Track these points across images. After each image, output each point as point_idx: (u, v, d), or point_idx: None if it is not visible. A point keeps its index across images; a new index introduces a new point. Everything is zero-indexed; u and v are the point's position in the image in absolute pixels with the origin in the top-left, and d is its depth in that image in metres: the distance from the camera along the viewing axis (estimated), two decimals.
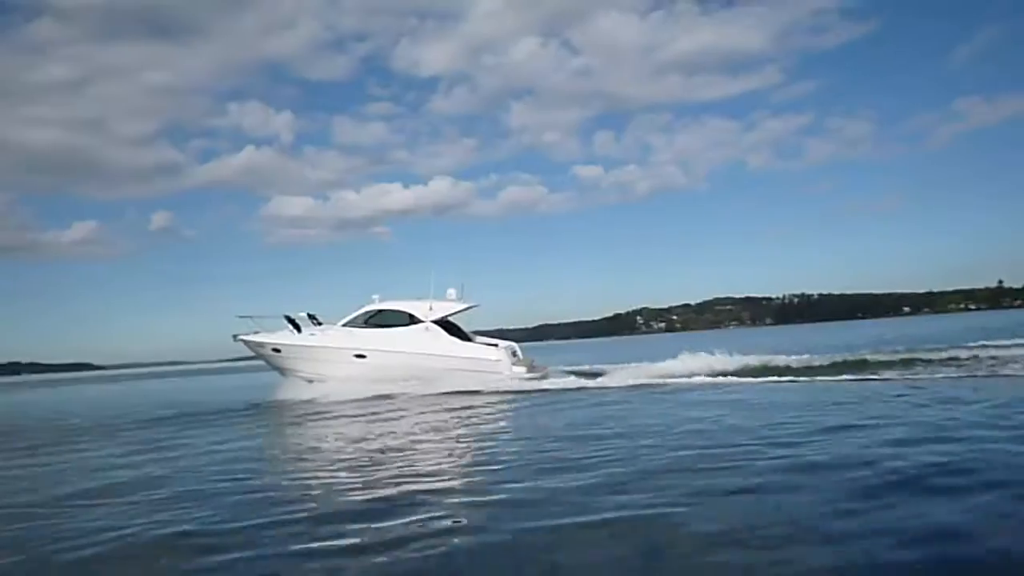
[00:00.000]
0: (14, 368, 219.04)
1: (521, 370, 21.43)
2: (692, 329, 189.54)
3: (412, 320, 21.77)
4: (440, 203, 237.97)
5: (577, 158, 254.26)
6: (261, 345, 22.29)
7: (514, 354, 22.17)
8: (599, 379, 20.68)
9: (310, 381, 21.56)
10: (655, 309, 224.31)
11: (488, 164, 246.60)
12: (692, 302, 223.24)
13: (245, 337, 22.37)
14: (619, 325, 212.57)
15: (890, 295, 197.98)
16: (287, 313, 21.94)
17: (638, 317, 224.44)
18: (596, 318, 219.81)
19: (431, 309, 21.86)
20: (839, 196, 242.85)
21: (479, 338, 23.19)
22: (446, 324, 22.53)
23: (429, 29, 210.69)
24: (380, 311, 22.11)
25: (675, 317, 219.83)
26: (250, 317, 22.47)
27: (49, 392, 54.24)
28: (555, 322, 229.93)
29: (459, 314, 23.25)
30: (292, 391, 20.89)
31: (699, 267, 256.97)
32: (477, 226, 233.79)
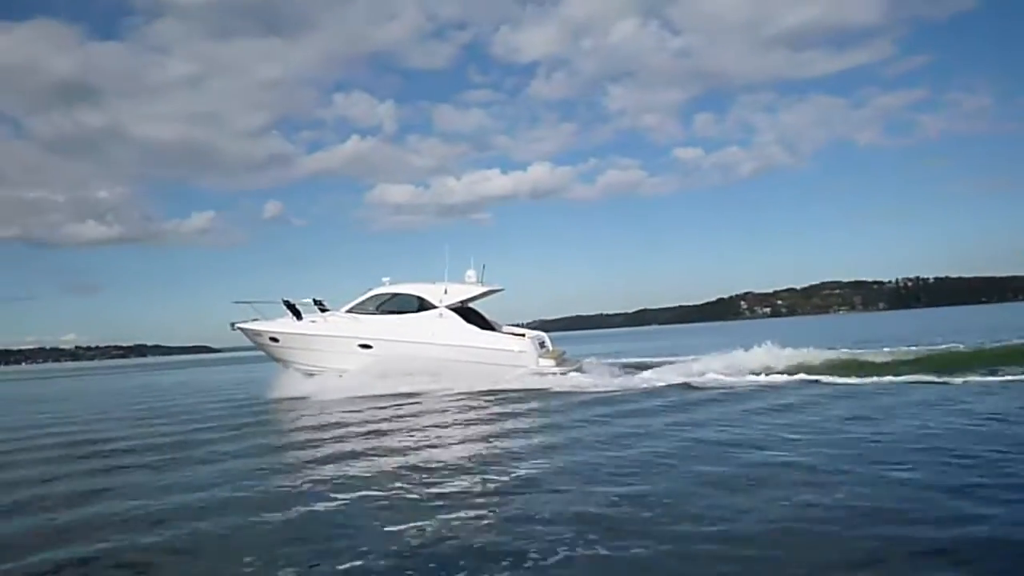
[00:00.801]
0: (140, 350, 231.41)
1: (549, 363, 18.21)
2: (799, 314, 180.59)
3: (424, 305, 18.88)
4: (539, 188, 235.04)
5: (677, 140, 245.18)
6: (258, 334, 19.88)
7: (542, 345, 18.98)
8: (641, 375, 17.30)
9: (310, 374, 19.02)
10: (760, 294, 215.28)
11: (587, 148, 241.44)
12: (798, 286, 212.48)
13: (242, 325, 19.97)
14: (722, 310, 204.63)
15: (1014, 278, 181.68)
16: (286, 297, 19.43)
17: (742, 302, 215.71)
18: (699, 303, 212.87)
19: (446, 293, 18.90)
20: (955, 174, 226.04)
21: (506, 327, 20.14)
22: (465, 311, 19.58)
23: (529, 14, 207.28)
24: (389, 295, 19.32)
25: (780, 302, 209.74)
26: (248, 303, 20.06)
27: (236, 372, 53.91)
28: (656, 307, 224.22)
29: (482, 299, 20.30)
30: (286, 386, 18.37)
31: (805, 249, 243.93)
32: (576, 210, 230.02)
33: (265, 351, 20.23)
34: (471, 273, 19.41)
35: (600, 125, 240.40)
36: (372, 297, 19.27)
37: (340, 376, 18.30)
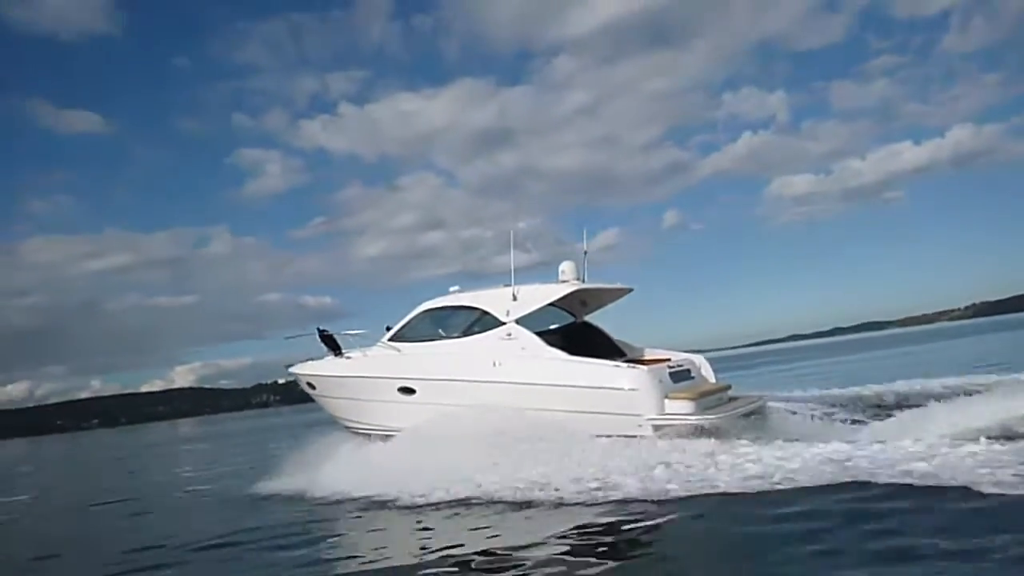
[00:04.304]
0: None
1: (682, 407, 10.48)
2: None
3: (487, 323, 12.16)
4: (960, 154, 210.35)
5: None
6: (298, 379, 14.42)
7: (678, 376, 11.29)
8: (866, 432, 9.32)
9: (362, 434, 13.13)
10: None
11: (1018, 99, 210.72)
12: None
13: (293, 369, 14.63)
14: None
15: None
16: (321, 326, 13.71)
17: None
18: None
19: (515, 300, 12.02)
20: None
21: (649, 351, 12.75)
22: (578, 330, 12.75)
23: None
24: (442, 310, 12.84)
25: None
26: (297, 336, 14.63)
27: None
28: None
29: (598, 307, 13.21)
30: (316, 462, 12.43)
31: None
32: (1011, 175, 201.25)
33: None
34: (566, 266, 12.33)
35: None
36: (420, 315, 12.91)
37: (385, 439, 12.21)
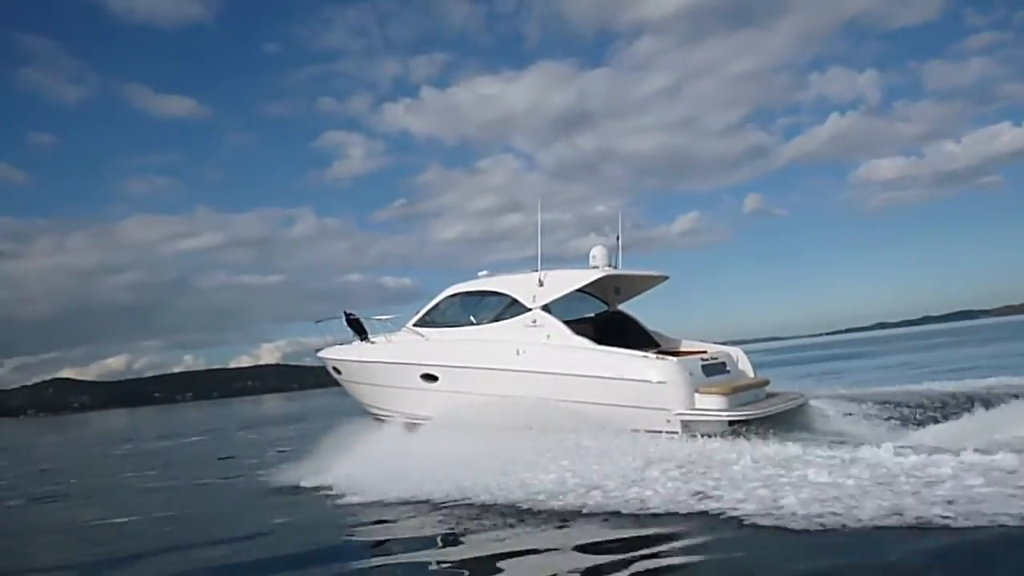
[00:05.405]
0: None
1: (714, 401, 9.71)
2: None
3: (512, 308, 11.57)
4: None
5: None
6: (325, 364, 14.14)
7: (710, 369, 10.49)
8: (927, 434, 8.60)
9: (385, 420, 12.78)
10: None
11: None
12: None
13: (321, 353, 14.35)
14: None
15: None
16: (348, 310, 13.34)
17: None
18: None
19: (541, 285, 11.39)
20: None
21: (687, 343, 12.00)
22: (608, 320, 12.14)
23: None
24: (469, 294, 12.31)
25: None
26: (327, 320, 14.24)
27: None
28: None
29: (630, 296, 12.51)
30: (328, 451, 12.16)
31: None
32: None
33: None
34: (597, 252, 11.62)
35: None
36: (447, 300, 12.42)
37: (411, 428, 11.81)
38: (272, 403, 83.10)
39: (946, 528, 5.53)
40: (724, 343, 11.82)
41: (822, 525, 5.88)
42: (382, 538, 7.78)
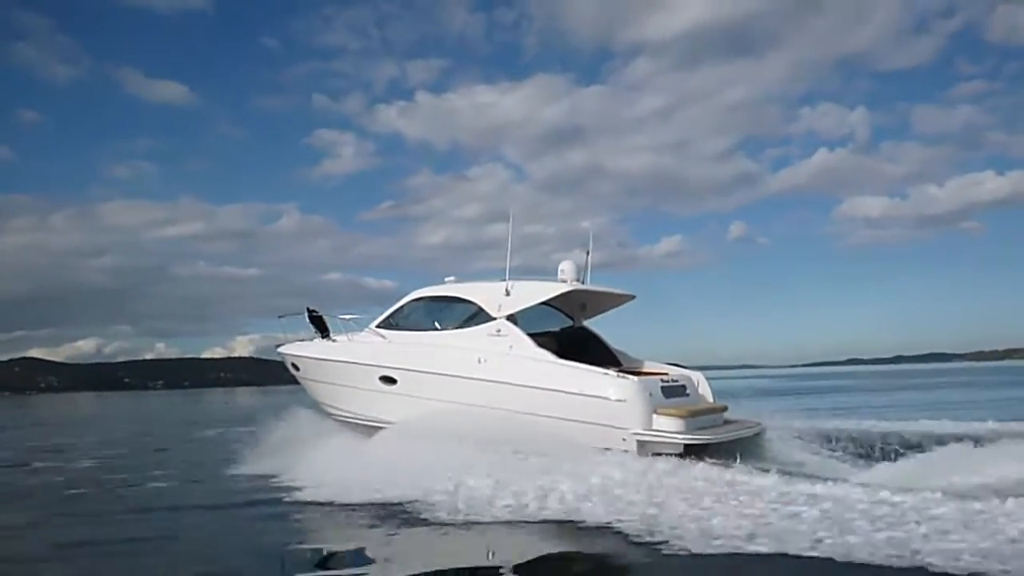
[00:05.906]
0: None
1: (671, 423, 9.60)
2: None
3: (477, 316, 11.42)
4: None
5: None
6: (284, 360, 13.90)
7: (669, 391, 10.39)
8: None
9: (341, 422, 12.58)
10: None
11: None
12: None
13: (281, 349, 14.09)
14: None
15: None
16: (311, 306, 13.14)
17: None
18: None
19: (507, 295, 11.25)
20: None
21: (650, 364, 11.88)
22: (572, 335, 12.03)
23: None
24: (433, 299, 12.15)
25: None
26: (289, 316, 13.93)
27: None
28: None
29: (598, 312, 12.40)
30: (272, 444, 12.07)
31: None
32: None
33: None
34: (565, 266, 11.50)
35: None
36: (412, 303, 12.26)
37: (366, 431, 11.63)
38: (243, 397, 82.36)
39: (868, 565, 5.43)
40: (697, 368, 11.73)
41: (741, 551, 5.82)
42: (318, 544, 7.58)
